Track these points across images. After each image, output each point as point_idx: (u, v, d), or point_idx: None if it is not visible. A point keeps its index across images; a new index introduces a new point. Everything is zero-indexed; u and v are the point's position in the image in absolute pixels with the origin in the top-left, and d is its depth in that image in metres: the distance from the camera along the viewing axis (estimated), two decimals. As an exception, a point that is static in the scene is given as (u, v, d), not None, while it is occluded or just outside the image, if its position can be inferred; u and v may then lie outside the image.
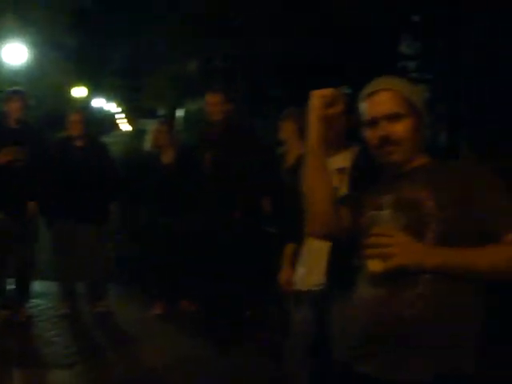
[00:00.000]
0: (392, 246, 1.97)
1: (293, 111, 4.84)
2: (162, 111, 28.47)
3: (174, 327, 6.06)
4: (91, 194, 6.07)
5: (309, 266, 3.69)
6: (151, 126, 6.50)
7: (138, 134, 17.12)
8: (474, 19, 9.76)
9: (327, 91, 2.23)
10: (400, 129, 2.17)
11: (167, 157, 6.33)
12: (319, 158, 2.26)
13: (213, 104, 5.80)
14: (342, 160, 3.60)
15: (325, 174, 2.28)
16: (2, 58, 19.06)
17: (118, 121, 47.12)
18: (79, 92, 29.47)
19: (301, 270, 3.77)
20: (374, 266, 1.99)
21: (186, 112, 21.64)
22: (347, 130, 3.61)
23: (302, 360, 3.73)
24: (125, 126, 43.73)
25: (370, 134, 2.23)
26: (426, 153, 2.33)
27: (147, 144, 6.37)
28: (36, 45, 20.19)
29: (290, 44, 9.10)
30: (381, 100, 2.20)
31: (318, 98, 2.22)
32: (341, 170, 3.58)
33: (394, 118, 2.17)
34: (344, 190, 3.37)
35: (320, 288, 3.54)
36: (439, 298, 1.98)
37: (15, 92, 6.17)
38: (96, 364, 5.24)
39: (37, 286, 6.77)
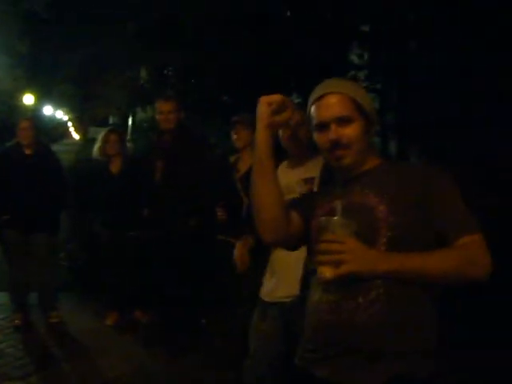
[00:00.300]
0: (343, 252, 1.95)
1: (245, 117, 4.78)
2: (113, 119, 28.28)
3: (128, 338, 6.02)
4: (40, 203, 6.03)
5: (277, 278, 3.66)
6: (99, 134, 6.41)
7: (89, 142, 17.00)
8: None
9: (274, 97, 2.15)
10: (350, 132, 2.16)
11: (115, 166, 6.29)
12: (267, 166, 2.19)
13: (164, 112, 5.79)
14: (309, 170, 3.62)
15: (273, 182, 2.22)
16: None
17: (70, 129, 46.58)
18: (29, 99, 29.06)
19: (269, 282, 3.74)
20: (325, 272, 1.98)
21: (135, 121, 21.54)
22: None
23: (262, 375, 3.69)
24: (76, 134, 43.28)
25: (320, 138, 2.23)
26: (377, 155, 2.34)
27: (95, 152, 6.28)
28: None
29: (238, 56, 9.16)
30: (329, 103, 2.19)
31: (264, 104, 2.15)
32: (308, 180, 3.61)
33: (343, 121, 2.16)
34: None
35: (289, 300, 3.52)
36: (392, 303, 1.99)
37: None
38: (49, 375, 5.18)
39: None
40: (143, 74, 12.96)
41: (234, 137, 4.89)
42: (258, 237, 2.33)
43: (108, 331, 6.18)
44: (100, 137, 6.39)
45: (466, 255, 2.00)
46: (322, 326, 2.11)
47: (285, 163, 3.80)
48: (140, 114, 19.32)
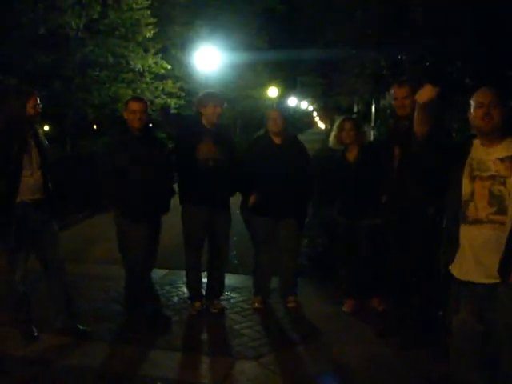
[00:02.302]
0: None
1: None
2: (357, 107, 28.41)
3: (363, 325, 6.00)
4: (290, 190, 6.22)
5: (472, 257, 3.70)
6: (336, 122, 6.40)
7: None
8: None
9: None
10: None
11: (352, 154, 6.25)
12: None
13: (399, 97, 5.63)
14: (505, 149, 3.72)
15: None
16: (196, 63, 19.99)
17: (315, 119, 47.67)
18: (274, 92, 30.14)
19: (462, 259, 3.78)
20: None
21: (378, 108, 21.36)
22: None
23: (470, 361, 3.74)
24: (322, 123, 44.19)
25: None
26: None
27: (332, 141, 6.29)
28: (227, 48, 20.98)
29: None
30: None
31: None
32: (504, 159, 3.69)
33: None
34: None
35: (489, 282, 3.53)
36: None
37: (212, 94, 6.40)
38: (280, 357, 5.35)
39: (230, 279, 7.04)
40: (382, 62, 12.80)
41: None
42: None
43: (344, 318, 6.21)
44: (335, 126, 6.40)
45: None
46: None
47: (477, 141, 3.87)
48: (383, 101, 19.16)
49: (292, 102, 37.39)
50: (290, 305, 6.49)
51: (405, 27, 10.70)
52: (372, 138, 20.95)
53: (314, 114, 48.67)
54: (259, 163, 6.29)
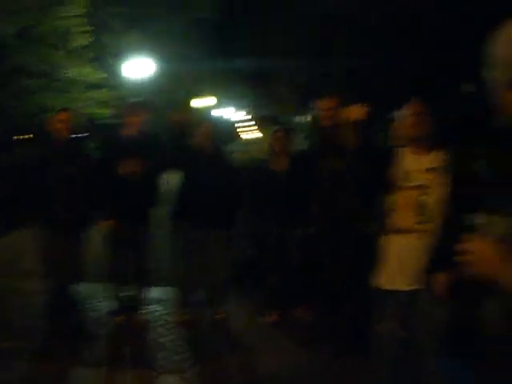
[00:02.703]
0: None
1: None
2: (288, 118, 28.68)
3: (287, 336, 6.04)
4: (219, 201, 6.18)
5: (398, 265, 3.82)
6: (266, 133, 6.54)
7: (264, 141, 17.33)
8: None
9: None
10: None
11: (281, 164, 6.32)
12: None
13: (324, 108, 5.78)
14: (432, 160, 3.88)
15: None
16: (125, 72, 19.86)
17: (241, 129, 47.58)
18: (202, 102, 30.02)
19: (388, 268, 3.88)
20: None
21: (313, 118, 21.64)
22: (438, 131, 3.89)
23: (393, 366, 3.86)
24: (247, 134, 44.19)
25: None
26: None
27: (261, 152, 6.40)
28: (162, 57, 20.90)
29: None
30: None
31: None
32: (429, 170, 3.86)
33: None
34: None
35: (411, 289, 3.66)
36: None
37: (136, 103, 6.44)
38: (206, 370, 5.33)
39: (154, 292, 6.99)
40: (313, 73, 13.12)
41: None
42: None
43: (269, 329, 6.25)
44: (266, 136, 6.47)
45: None
46: None
47: (406, 150, 4.02)
48: (314, 112, 19.44)
49: (226, 111, 37.43)
50: (217, 316, 6.47)
51: (336, 41, 10.98)
52: (306, 147, 21.25)
53: (248, 123, 48.57)
54: (186, 174, 6.31)
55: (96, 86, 18.08)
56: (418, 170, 3.90)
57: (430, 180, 3.84)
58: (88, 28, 16.57)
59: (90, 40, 16.74)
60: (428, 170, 3.87)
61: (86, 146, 6.54)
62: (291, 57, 14.07)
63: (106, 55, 19.97)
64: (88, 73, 17.21)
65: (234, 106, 38.09)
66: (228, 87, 29.73)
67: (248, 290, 7.48)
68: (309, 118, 21.94)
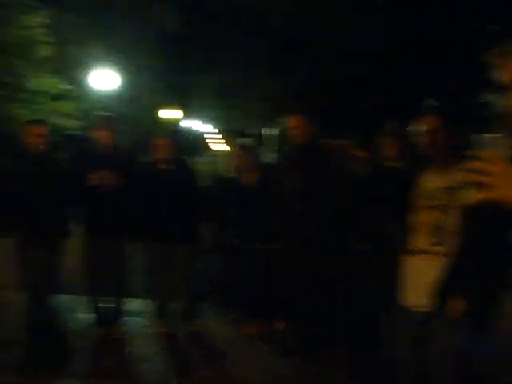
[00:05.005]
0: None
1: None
2: (248, 130, 28.80)
3: (265, 347, 6.09)
4: (178, 215, 6.22)
5: (416, 285, 3.73)
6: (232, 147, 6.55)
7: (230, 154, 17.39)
8: None
9: None
10: None
11: (248, 179, 6.40)
12: None
13: (290, 127, 5.73)
14: (451, 179, 3.56)
15: None
16: (92, 84, 19.77)
17: (209, 141, 47.77)
18: (168, 114, 29.99)
19: (408, 287, 3.82)
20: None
21: (281, 131, 21.79)
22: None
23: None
24: (216, 146, 44.28)
25: None
26: None
27: (227, 168, 6.43)
28: (125, 69, 20.83)
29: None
30: None
31: None
32: (448, 190, 3.60)
33: None
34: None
35: (426, 310, 3.60)
36: None
37: (105, 117, 6.40)
38: (186, 381, 5.36)
39: (132, 304, 6.99)
40: (277, 87, 13.18)
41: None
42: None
43: (246, 340, 6.28)
44: (232, 152, 6.49)
45: None
46: None
47: (431, 169, 3.80)
48: (282, 125, 19.57)
49: (191, 124, 37.46)
50: (193, 328, 6.49)
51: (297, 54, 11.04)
52: (270, 160, 21.31)
53: (214, 136, 48.75)
54: (146, 188, 6.25)
55: (60, 97, 17.91)
56: (440, 187, 3.70)
57: (448, 200, 3.63)
58: (49, 39, 16.39)
59: (53, 51, 16.56)
60: (447, 189, 3.64)
61: (60, 158, 6.43)
62: (256, 69, 14.14)
63: (69, 67, 19.83)
64: (52, 84, 17.03)
65: (201, 118, 38.20)
66: (194, 99, 29.73)
67: (219, 303, 7.49)
68: (275, 131, 22.13)
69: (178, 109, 30.01)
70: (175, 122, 30.53)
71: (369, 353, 5.24)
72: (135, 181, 6.23)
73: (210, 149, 46.26)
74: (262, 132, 27.88)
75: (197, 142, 39.95)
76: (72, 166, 6.50)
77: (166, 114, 29.80)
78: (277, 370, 5.49)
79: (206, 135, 45.97)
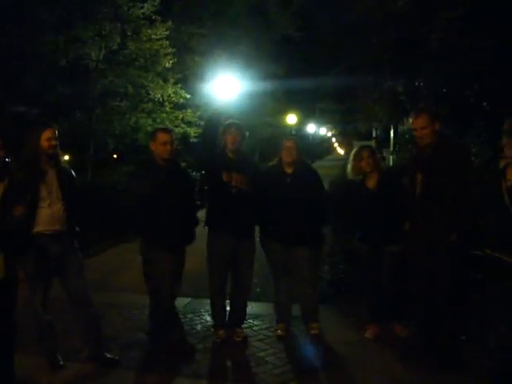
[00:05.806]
0: None
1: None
2: (376, 132, 28.51)
3: (386, 351, 5.98)
4: (303, 217, 6.18)
5: None
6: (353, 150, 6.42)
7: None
8: None
9: None
10: None
11: (372, 181, 6.31)
12: None
13: (418, 128, 5.59)
14: None
15: None
16: (215, 92, 20.20)
17: (335, 144, 47.79)
18: (292, 119, 30.18)
19: None
20: None
21: (397, 133, 21.44)
22: None
23: None
24: (342, 149, 44.22)
25: None
26: None
27: (350, 172, 6.37)
28: (246, 76, 21.13)
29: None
30: None
31: None
32: None
33: None
34: None
35: None
36: None
37: (232, 124, 6.44)
38: (306, 384, 5.36)
39: (253, 307, 7.07)
40: (399, 87, 12.91)
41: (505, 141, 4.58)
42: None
43: (366, 344, 6.20)
44: (352, 155, 6.44)
45: None
46: None
47: None
48: (402, 126, 19.21)
49: (311, 128, 37.50)
50: (313, 332, 6.45)
51: (421, 53, 10.81)
52: (391, 162, 21.00)
53: (333, 139, 48.74)
54: (271, 192, 6.29)
55: (181, 106, 18.44)
56: None
57: None
58: (171, 50, 16.93)
59: (173, 61, 17.09)
60: None
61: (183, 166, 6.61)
62: (377, 72, 13.97)
63: (189, 76, 20.37)
64: (173, 94, 17.55)
65: (325, 122, 38.29)
66: (313, 104, 29.83)
67: (341, 306, 7.43)
68: (395, 132, 21.76)
69: (296, 113, 30.17)
70: (298, 127, 30.77)
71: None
72: (263, 184, 6.30)
73: (337, 152, 46.25)
74: (379, 133, 27.57)
75: (323, 146, 40.03)
76: (206, 169, 6.69)
77: (288, 119, 30.04)
78: (396, 375, 5.39)
79: (332, 139, 46.03)
